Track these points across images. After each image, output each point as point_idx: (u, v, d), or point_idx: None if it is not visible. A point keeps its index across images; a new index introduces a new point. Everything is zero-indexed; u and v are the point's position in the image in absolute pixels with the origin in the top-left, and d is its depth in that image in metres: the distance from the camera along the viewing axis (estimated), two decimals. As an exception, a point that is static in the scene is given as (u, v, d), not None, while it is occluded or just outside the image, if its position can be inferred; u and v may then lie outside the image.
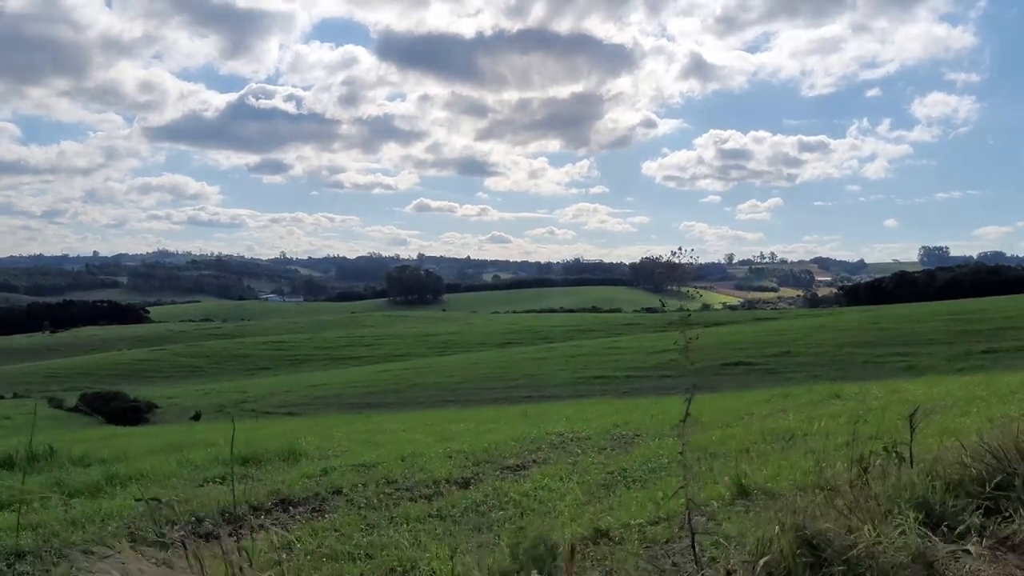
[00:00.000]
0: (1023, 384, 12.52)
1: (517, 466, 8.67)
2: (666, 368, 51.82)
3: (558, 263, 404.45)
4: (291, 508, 7.11)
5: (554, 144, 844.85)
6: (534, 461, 8.96)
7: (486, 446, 9.83)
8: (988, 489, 4.85)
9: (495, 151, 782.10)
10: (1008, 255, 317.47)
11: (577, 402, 34.13)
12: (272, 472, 8.92)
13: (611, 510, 5.93)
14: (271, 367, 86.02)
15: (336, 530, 6.18)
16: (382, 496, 7.27)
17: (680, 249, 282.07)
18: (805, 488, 5.62)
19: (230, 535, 4.52)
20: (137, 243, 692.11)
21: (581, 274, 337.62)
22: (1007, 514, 4.66)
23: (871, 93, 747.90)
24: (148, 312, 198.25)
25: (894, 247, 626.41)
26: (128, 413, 52.37)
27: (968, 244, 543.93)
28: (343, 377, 64.20)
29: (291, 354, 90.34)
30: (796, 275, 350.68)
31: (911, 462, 5.12)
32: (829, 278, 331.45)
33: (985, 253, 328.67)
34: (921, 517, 4.43)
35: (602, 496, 6.74)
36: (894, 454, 5.15)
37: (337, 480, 8.00)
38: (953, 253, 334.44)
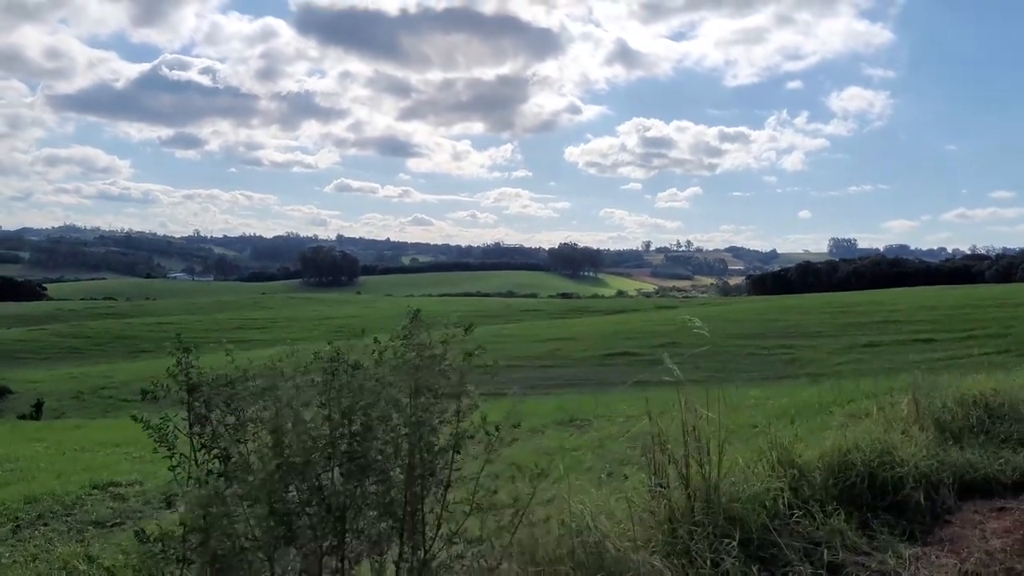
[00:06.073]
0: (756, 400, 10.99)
1: None
2: (546, 358, 50.71)
3: (478, 247, 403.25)
4: None
5: (478, 127, 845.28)
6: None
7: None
8: None
9: (418, 132, 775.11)
10: (912, 248, 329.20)
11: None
12: None
13: None
14: (154, 350, 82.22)
15: None
16: None
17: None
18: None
19: None
20: (44, 217, 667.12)
21: (501, 258, 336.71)
22: None
23: (792, 85, 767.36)
24: (46, 289, 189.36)
25: (806, 238, 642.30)
26: (-25, 399, 48.99)
27: (876, 237, 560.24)
28: (216, 362, 61.09)
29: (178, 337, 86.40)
30: (711, 264, 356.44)
31: None
32: (742, 267, 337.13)
33: (891, 246, 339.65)
34: None
35: None
36: None
37: None
38: (861, 245, 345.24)
